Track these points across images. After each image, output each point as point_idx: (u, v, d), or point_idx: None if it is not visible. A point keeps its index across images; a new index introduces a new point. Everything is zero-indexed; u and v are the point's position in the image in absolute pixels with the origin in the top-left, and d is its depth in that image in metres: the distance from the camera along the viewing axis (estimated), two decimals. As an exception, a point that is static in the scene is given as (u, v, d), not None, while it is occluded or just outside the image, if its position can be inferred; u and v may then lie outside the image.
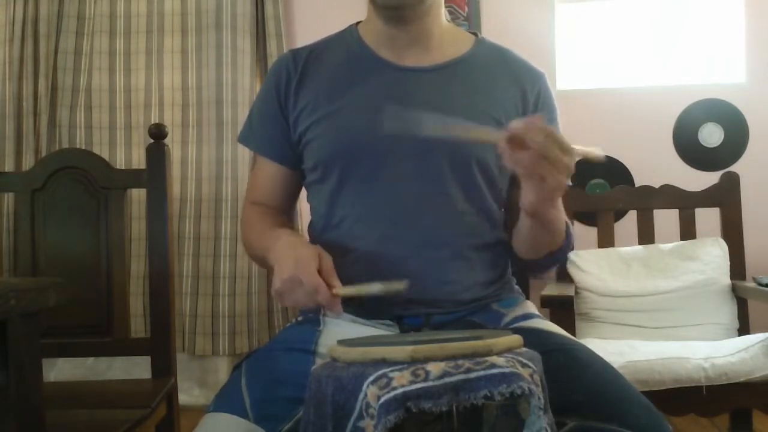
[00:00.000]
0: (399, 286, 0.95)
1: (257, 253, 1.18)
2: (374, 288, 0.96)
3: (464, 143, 1.13)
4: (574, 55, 2.99)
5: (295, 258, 0.97)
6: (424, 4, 1.14)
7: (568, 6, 2.99)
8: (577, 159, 0.93)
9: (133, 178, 1.74)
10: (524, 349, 0.82)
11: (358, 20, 1.27)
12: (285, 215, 1.26)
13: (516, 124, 0.89)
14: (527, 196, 0.98)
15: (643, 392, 0.97)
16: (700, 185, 2.24)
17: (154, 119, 2.95)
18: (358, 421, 0.73)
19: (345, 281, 0.98)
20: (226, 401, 0.99)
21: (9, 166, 2.89)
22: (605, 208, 2.22)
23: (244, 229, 1.26)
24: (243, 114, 2.87)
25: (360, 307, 1.12)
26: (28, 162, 2.88)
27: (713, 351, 1.74)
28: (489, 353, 0.76)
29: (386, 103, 1.14)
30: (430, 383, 0.71)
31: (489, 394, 0.72)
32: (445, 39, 1.21)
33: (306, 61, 1.21)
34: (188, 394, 2.83)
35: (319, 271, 0.96)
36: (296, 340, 1.09)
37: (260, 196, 1.26)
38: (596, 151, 0.96)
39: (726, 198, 2.18)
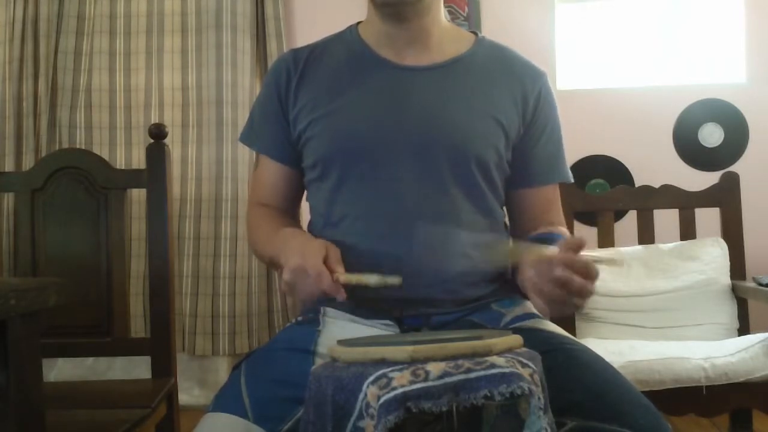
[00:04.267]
0: (395, 281, 1.00)
1: (266, 255, 1.19)
2: (371, 279, 1.00)
3: (463, 142, 1.13)
4: (574, 55, 2.98)
5: (302, 250, 1.01)
6: (422, 2, 1.14)
7: (568, 6, 2.99)
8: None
9: (133, 178, 1.74)
10: (524, 349, 0.82)
11: (358, 20, 1.27)
12: (290, 216, 1.26)
13: (561, 273, 0.88)
14: (541, 308, 0.98)
15: (643, 392, 0.97)
16: (700, 185, 2.24)
17: (154, 119, 2.95)
18: (358, 421, 0.73)
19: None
20: (225, 401, 0.99)
21: (9, 166, 2.89)
22: (605, 208, 2.22)
23: (250, 230, 1.27)
24: (243, 114, 2.87)
25: (360, 308, 1.12)
26: (28, 162, 2.88)
27: (713, 351, 1.74)
28: (489, 353, 0.76)
29: (386, 102, 1.14)
30: (430, 383, 0.71)
31: (489, 394, 0.72)
32: (444, 38, 1.21)
33: (306, 61, 1.21)
34: (188, 394, 2.83)
35: (326, 262, 0.99)
36: (296, 340, 1.09)
37: (264, 196, 1.26)
38: (616, 260, 0.99)
39: (726, 198, 2.18)
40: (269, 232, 1.17)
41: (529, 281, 0.95)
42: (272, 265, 1.13)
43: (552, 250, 0.93)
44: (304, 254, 0.99)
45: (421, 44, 1.18)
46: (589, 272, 0.90)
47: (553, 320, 1.21)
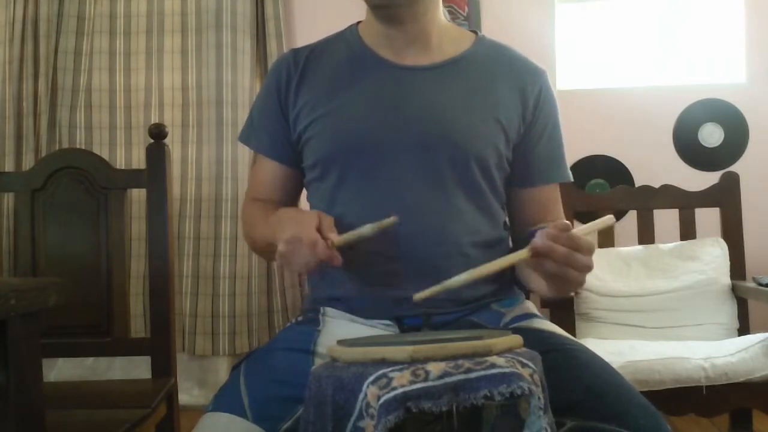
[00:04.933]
0: (389, 220, 0.98)
1: (262, 241, 1.17)
2: (365, 229, 0.99)
3: (463, 141, 1.13)
4: (574, 55, 2.99)
5: (295, 221, 1.00)
6: (417, 4, 1.14)
7: (568, 6, 2.99)
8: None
9: (133, 178, 1.74)
10: (524, 349, 0.82)
11: (358, 20, 1.27)
12: None
13: (540, 243, 0.90)
14: (543, 290, 1.00)
15: (643, 392, 0.97)
16: (700, 185, 2.24)
17: (154, 119, 2.95)
18: (358, 421, 0.73)
19: (345, 279, 0.98)
20: (225, 401, 0.99)
21: (9, 166, 2.89)
22: (605, 208, 2.22)
23: (245, 224, 1.26)
24: (243, 114, 2.87)
25: (360, 309, 1.12)
26: (28, 162, 2.88)
27: (713, 351, 1.74)
28: (489, 353, 0.76)
29: (386, 102, 1.14)
30: (430, 383, 0.71)
31: (489, 394, 0.71)
32: (444, 38, 1.21)
33: (306, 61, 1.21)
34: (188, 394, 2.83)
35: (319, 229, 0.98)
36: (296, 340, 1.09)
37: (260, 194, 1.26)
38: (606, 220, 0.98)
39: (726, 198, 2.18)
40: (264, 219, 1.16)
41: (525, 267, 0.95)
42: (269, 253, 1.11)
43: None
44: (297, 225, 0.99)
45: (421, 44, 1.18)
46: (580, 246, 0.91)
47: (553, 320, 1.21)
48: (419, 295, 0.92)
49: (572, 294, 1.05)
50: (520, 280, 1.17)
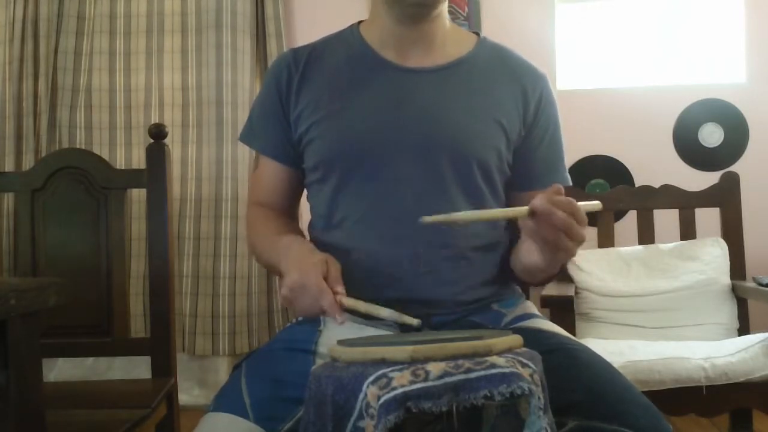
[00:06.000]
0: (412, 321, 0.94)
1: (265, 260, 1.19)
2: (383, 313, 0.94)
3: (464, 144, 1.13)
4: (574, 55, 2.99)
5: (302, 265, 0.98)
6: (439, 4, 1.14)
7: (568, 6, 2.99)
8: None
9: (133, 178, 1.74)
10: (524, 349, 0.82)
11: (358, 20, 1.26)
12: (289, 216, 1.26)
13: (541, 203, 0.90)
14: (535, 257, 0.99)
15: (643, 392, 0.97)
16: (700, 185, 2.24)
17: (154, 119, 2.95)
18: (358, 421, 0.73)
19: (346, 283, 0.98)
20: (226, 401, 0.99)
21: (9, 166, 2.89)
22: (605, 208, 2.22)
23: (249, 232, 1.27)
24: (243, 114, 2.87)
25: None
26: (28, 162, 2.88)
27: (713, 351, 1.74)
28: (489, 353, 0.76)
29: (388, 104, 1.14)
30: (430, 383, 0.71)
31: (489, 394, 0.72)
32: (447, 39, 1.21)
33: (307, 61, 1.21)
34: (188, 394, 2.83)
35: (326, 278, 0.96)
36: (296, 340, 1.09)
37: (263, 196, 1.26)
38: (594, 204, 0.98)
39: (726, 198, 2.18)
40: (269, 235, 1.16)
41: (525, 226, 0.94)
42: (271, 270, 1.12)
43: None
44: (304, 270, 0.97)
45: (425, 45, 1.18)
46: (577, 213, 0.90)
47: (553, 320, 1.21)
48: (428, 219, 0.89)
49: (561, 266, 1.05)
50: (513, 260, 1.16)
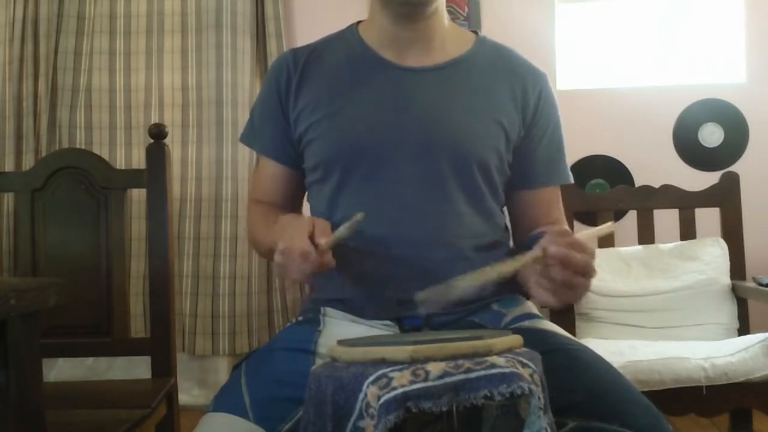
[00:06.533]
0: (357, 217, 0.99)
1: (263, 247, 1.19)
2: (339, 232, 0.99)
3: (464, 144, 1.13)
4: (574, 55, 2.98)
5: (289, 231, 0.99)
6: (436, 1, 1.14)
7: (568, 6, 2.99)
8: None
9: (133, 178, 1.74)
10: (524, 349, 0.82)
11: (358, 20, 1.26)
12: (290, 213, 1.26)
13: (557, 249, 0.88)
14: (549, 300, 0.94)
15: (643, 392, 0.97)
16: (700, 185, 2.24)
17: (154, 119, 2.95)
18: (358, 421, 0.73)
19: (346, 280, 0.98)
20: (225, 401, 0.99)
21: (9, 166, 2.89)
22: (605, 208, 2.22)
23: (249, 228, 1.28)
24: (243, 114, 2.87)
25: (360, 309, 1.12)
26: (28, 162, 2.88)
27: (713, 351, 1.74)
28: (489, 353, 0.76)
29: (387, 104, 1.14)
30: (430, 383, 0.71)
31: (489, 394, 0.72)
32: (446, 38, 1.21)
33: (306, 61, 1.21)
34: (188, 394, 2.83)
35: (312, 237, 0.97)
36: (296, 340, 1.09)
37: (263, 195, 1.26)
38: (607, 227, 0.98)
39: (726, 198, 2.18)
40: (267, 224, 1.16)
41: (530, 276, 0.94)
42: (272, 259, 1.12)
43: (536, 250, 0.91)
44: (291, 235, 0.98)
45: (424, 45, 1.18)
46: (584, 248, 0.89)
47: (553, 320, 1.21)
48: (422, 295, 0.90)
49: (579, 300, 1.02)
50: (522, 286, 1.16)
